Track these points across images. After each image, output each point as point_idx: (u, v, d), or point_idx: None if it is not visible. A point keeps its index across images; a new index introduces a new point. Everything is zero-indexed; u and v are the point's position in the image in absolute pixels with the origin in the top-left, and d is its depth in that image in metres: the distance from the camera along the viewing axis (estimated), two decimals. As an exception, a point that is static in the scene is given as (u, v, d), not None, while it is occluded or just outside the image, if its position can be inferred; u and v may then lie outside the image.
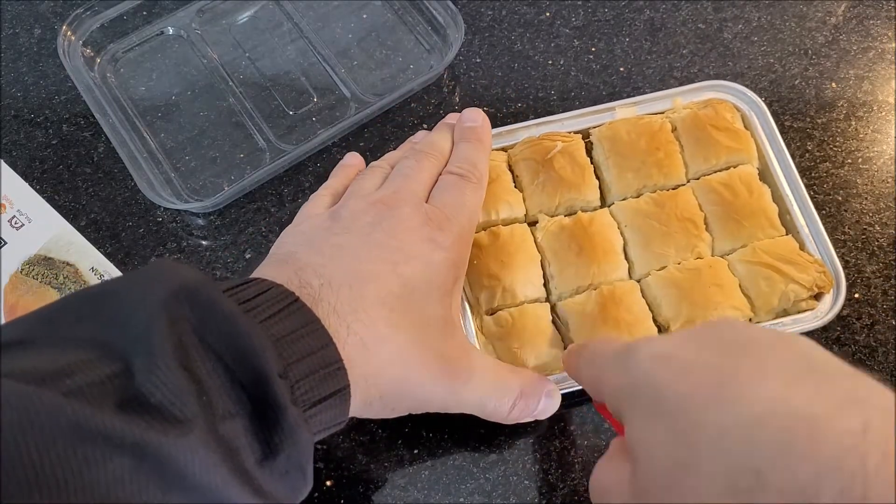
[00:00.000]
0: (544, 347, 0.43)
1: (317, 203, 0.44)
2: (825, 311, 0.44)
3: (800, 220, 0.47)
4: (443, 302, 0.39)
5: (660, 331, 0.44)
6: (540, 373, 0.43)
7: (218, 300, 0.30)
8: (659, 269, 0.45)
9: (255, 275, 0.37)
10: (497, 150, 0.49)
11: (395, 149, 0.53)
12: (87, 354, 0.28)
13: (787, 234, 0.46)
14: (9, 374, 0.26)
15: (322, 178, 0.52)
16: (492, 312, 0.45)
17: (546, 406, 0.42)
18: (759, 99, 0.49)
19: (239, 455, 0.29)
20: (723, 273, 0.45)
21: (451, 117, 0.48)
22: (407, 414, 0.39)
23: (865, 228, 0.50)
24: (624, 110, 0.50)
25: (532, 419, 0.42)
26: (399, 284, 0.37)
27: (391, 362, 0.36)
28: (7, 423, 0.24)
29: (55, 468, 0.24)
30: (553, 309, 0.45)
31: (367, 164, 0.53)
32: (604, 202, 0.48)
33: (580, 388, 0.42)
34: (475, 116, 0.47)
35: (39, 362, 0.27)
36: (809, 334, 0.45)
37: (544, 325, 0.44)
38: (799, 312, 0.44)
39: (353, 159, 0.48)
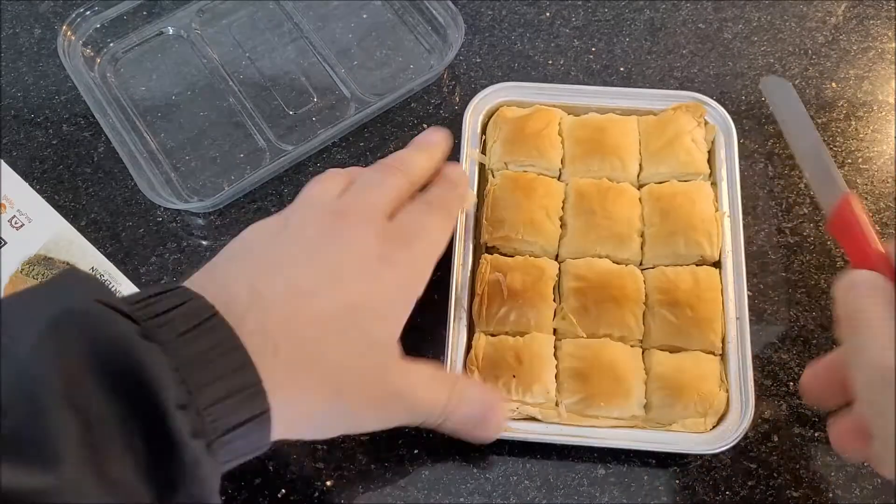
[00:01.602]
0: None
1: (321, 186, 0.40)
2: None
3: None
4: (386, 324, 0.37)
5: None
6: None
7: (109, 323, 0.28)
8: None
9: (186, 282, 0.34)
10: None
11: (394, 148, 0.53)
12: None
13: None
14: None
15: (322, 178, 0.52)
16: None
17: (487, 418, 0.40)
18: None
19: (130, 495, 0.26)
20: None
21: (428, 137, 0.45)
22: (340, 435, 0.38)
23: (865, 228, 0.50)
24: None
25: (477, 438, 0.41)
26: (339, 302, 0.35)
27: (320, 387, 0.34)
28: None
29: None
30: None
31: (365, 166, 0.53)
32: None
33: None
34: (455, 168, 0.45)
35: None
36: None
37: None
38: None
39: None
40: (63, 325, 0.27)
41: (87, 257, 0.48)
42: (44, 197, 0.51)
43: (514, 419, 0.43)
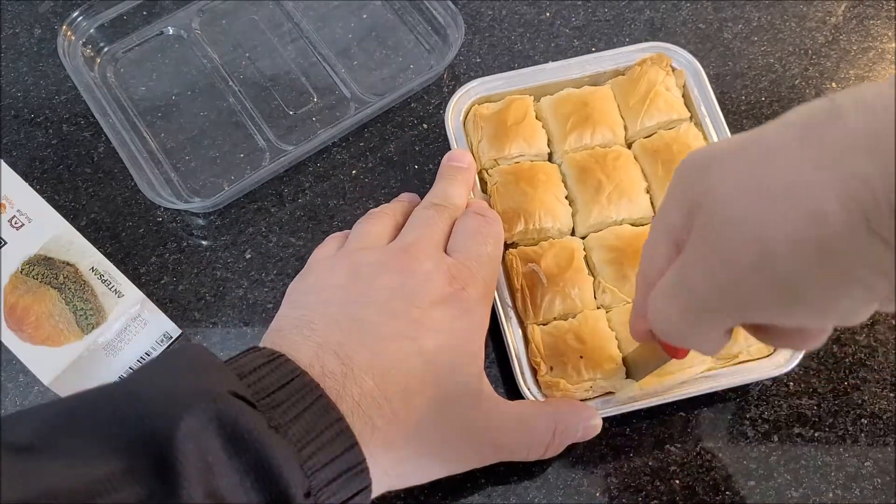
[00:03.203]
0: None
1: (370, 226, 0.43)
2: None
3: None
4: (467, 370, 0.38)
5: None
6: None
7: (244, 416, 0.29)
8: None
9: (270, 337, 0.36)
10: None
11: (395, 148, 0.53)
12: (110, 468, 0.27)
13: None
14: (32, 496, 0.25)
15: (322, 178, 0.52)
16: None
17: (587, 433, 0.42)
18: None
19: None
20: None
21: (456, 158, 0.47)
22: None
23: (865, 228, 0.50)
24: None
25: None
26: (422, 362, 0.36)
27: (412, 451, 0.36)
28: None
29: None
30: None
31: (365, 165, 0.53)
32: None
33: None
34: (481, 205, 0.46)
35: (58, 478, 0.26)
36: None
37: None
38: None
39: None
40: (203, 414, 0.29)
41: (87, 257, 0.48)
42: (44, 197, 0.51)
43: (592, 398, 0.43)
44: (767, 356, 0.44)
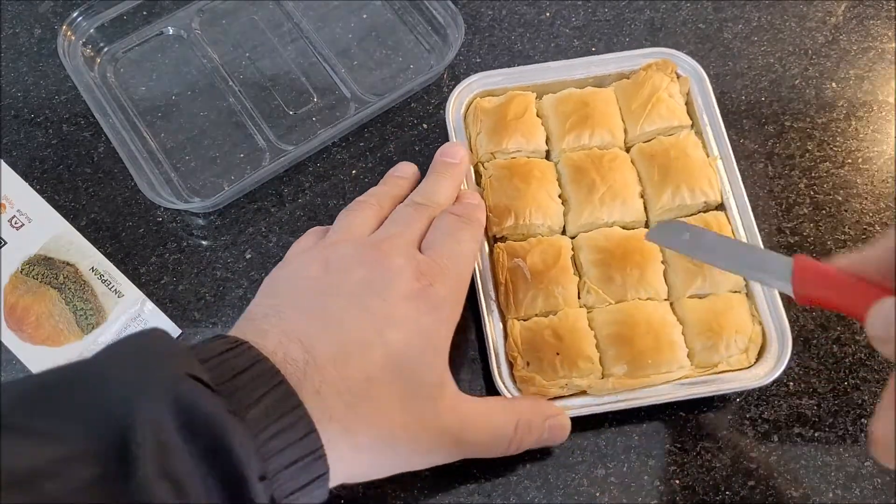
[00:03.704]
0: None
1: (357, 215, 0.43)
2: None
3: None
4: (433, 365, 0.38)
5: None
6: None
7: (203, 399, 0.30)
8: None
9: (239, 325, 0.37)
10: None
11: (395, 148, 0.53)
12: (66, 449, 0.28)
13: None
14: None
15: (322, 178, 0.52)
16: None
17: (553, 433, 0.42)
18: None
19: None
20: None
21: (448, 154, 0.47)
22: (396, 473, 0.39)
23: (865, 228, 0.50)
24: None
25: (542, 445, 0.42)
26: (385, 354, 0.37)
27: (371, 442, 0.36)
28: None
29: None
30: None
31: (365, 165, 0.53)
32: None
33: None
34: (473, 196, 0.47)
35: (15, 458, 0.27)
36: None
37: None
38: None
39: (407, 169, 0.48)
40: (160, 396, 0.29)
41: (87, 257, 0.48)
42: (44, 197, 0.51)
43: (565, 396, 0.43)
44: (747, 368, 0.44)
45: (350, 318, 0.37)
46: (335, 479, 0.35)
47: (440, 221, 0.43)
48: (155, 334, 0.33)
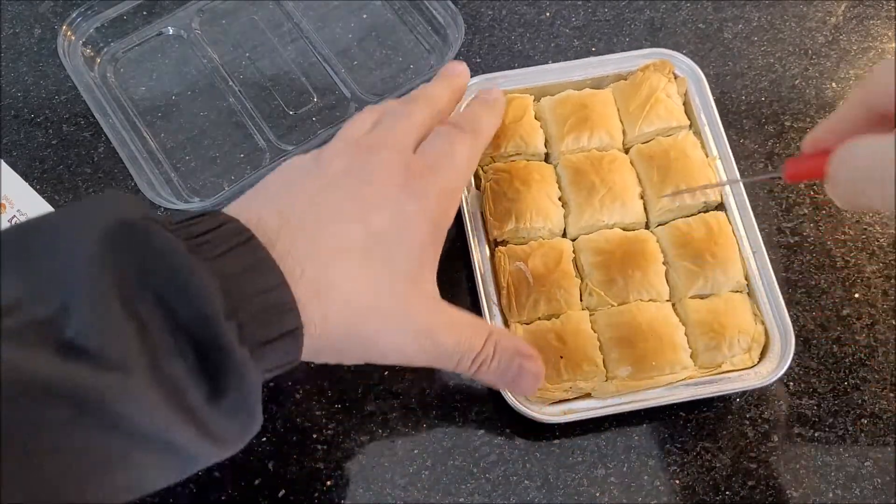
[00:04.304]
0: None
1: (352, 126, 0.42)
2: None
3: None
4: (412, 255, 0.37)
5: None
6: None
7: (159, 236, 0.29)
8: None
9: (224, 208, 0.36)
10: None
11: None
12: (22, 292, 0.27)
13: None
14: None
15: (322, 178, 0.52)
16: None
17: (522, 377, 0.39)
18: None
19: (184, 395, 0.28)
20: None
21: (451, 68, 0.45)
22: (363, 363, 0.37)
23: (865, 228, 0.50)
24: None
25: (507, 388, 0.42)
26: (363, 232, 0.36)
27: (341, 311, 0.35)
28: None
29: None
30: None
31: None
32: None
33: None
34: (490, 91, 0.46)
35: None
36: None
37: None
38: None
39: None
40: (116, 236, 0.28)
41: (87, 257, 0.48)
42: (44, 197, 0.51)
43: (569, 399, 0.43)
44: (751, 367, 0.44)
45: (332, 195, 0.37)
46: (306, 349, 0.33)
47: (437, 128, 0.42)
48: (115, 192, 0.32)
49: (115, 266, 0.28)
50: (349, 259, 0.35)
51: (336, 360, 0.37)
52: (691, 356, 0.44)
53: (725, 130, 0.49)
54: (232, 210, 0.35)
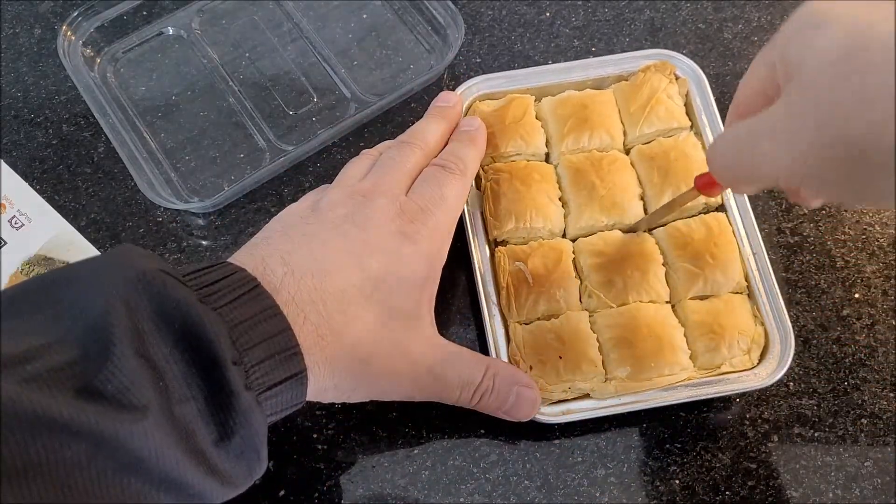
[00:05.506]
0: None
1: (354, 166, 0.45)
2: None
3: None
4: (410, 295, 0.39)
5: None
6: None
7: (173, 288, 0.31)
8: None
9: (230, 258, 0.38)
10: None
11: (395, 149, 0.53)
12: (45, 340, 0.29)
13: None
14: None
15: (322, 178, 0.52)
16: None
17: (520, 403, 0.41)
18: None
19: (194, 437, 0.30)
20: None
21: (444, 98, 0.48)
22: (367, 400, 0.40)
23: (865, 228, 0.50)
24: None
25: (506, 415, 0.42)
26: (361, 277, 0.38)
27: (343, 353, 0.36)
28: None
29: (14, 457, 0.25)
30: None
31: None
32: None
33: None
34: (471, 122, 0.47)
35: None
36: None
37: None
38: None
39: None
40: (134, 288, 0.30)
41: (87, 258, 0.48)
42: (44, 197, 0.51)
43: (568, 399, 0.43)
44: (750, 369, 0.44)
45: (332, 243, 0.38)
46: (311, 389, 0.35)
47: (426, 171, 0.44)
48: (126, 246, 0.34)
49: (132, 316, 0.30)
50: (349, 303, 0.37)
51: (341, 399, 0.39)
52: (691, 357, 0.44)
53: (725, 130, 0.49)
54: (238, 258, 0.37)
